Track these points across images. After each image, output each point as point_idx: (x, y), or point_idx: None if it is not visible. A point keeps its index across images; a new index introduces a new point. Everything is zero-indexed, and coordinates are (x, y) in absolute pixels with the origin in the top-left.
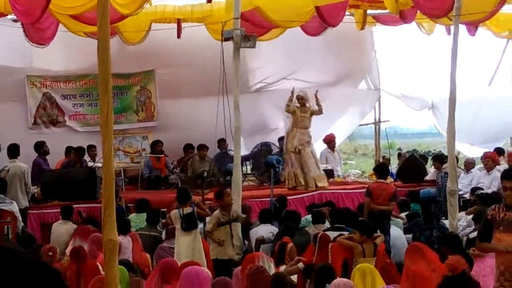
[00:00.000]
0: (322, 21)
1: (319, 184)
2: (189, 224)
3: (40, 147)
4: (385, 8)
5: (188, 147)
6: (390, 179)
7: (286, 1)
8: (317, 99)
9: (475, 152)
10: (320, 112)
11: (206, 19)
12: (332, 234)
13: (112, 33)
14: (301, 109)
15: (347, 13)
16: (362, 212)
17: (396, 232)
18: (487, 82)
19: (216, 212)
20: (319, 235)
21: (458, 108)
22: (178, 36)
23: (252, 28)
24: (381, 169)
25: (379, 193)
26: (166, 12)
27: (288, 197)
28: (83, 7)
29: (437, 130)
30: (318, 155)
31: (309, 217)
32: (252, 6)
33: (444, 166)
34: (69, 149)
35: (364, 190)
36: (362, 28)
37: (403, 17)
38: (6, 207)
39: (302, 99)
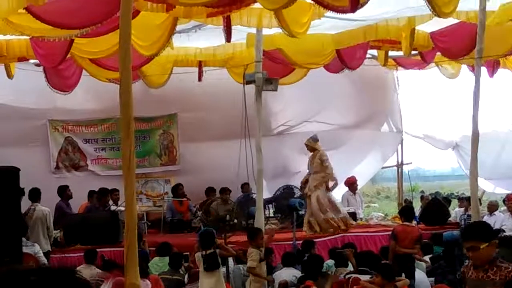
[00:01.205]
0: (342, 63)
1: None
2: (210, 264)
3: (63, 191)
4: None
5: (210, 191)
6: (413, 222)
7: (307, 43)
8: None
9: (499, 190)
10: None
11: (228, 62)
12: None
13: (135, 78)
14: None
15: (369, 55)
16: (385, 255)
17: (420, 275)
18: (510, 119)
19: (253, 249)
20: (351, 278)
21: (482, 146)
22: (199, 79)
23: (274, 70)
24: (406, 211)
25: (404, 236)
26: (188, 54)
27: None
28: (106, 51)
29: (460, 172)
30: (339, 198)
31: (330, 261)
32: (274, 47)
33: (469, 207)
34: (91, 193)
35: (387, 233)
36: (384, 65)
37: (424, 59)
38: (29, 249)
39: (307, 147)
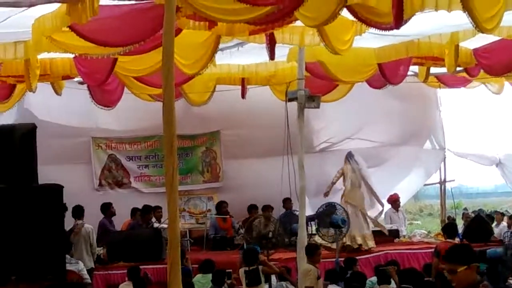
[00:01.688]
0: (384, 78)
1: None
2: (253, 280)
3: (107, 209)
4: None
5: (252, 208)
6: (456, 239)
7: (348, 56)
8: None
9: None
10: None
11: (271, 79)
12: None
13: (177, 95)
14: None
15: (411, 72)
16: (428, 272)
17: None
18: None
19: (310, 267)
20: None
21: None
22: (243, 96)
23: (316, 88)
24: (449, 228)
25: None
26: (231, 72)
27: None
28: (149, 69)
29: (503, 189)
30: (382, 215)
31: (373, 278)
32: (315, 59)
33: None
34: (134, 211)
35: (430, 250)
36: (425, 81)
37: (470, 75)
38: (72, 267)
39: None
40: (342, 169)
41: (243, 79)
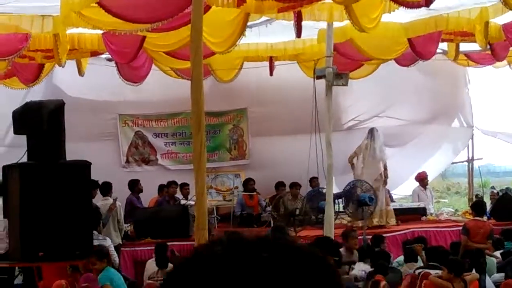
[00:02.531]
0: (415, 54)
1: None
2: None
3: (135, 185)
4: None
5: (280, 185)
6: (484, 217)
7: (378, 33)
8: None
9: None
10: None
11: (299, 56)
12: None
13: (206, 73)
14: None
15: (439, 50)
16: (455, 250)
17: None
18: None
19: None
20: (421, 273)
21: None
22: (271, 74)
23: (344, 65)
24: (478, 206)
25: (476, 231)
26: (259, 50)
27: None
28: (177, 44)
29: None
30: (410, 193)
31: (400, 258)
32: (345, 39)
33: None
34: (161, 187)
35: (457, 228)
36: (455, 59)
37: (494, 52)
38: (100, 243)
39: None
40: (359, 146)
41: (271, 57)
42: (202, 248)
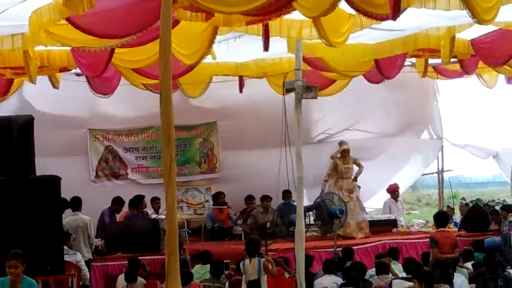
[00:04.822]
0: (379, 73)
1: (358, 235)
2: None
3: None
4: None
5: (249, 199)
6: (454, 229)
7: (346, 52)
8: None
9: None
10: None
11: (268, 72)
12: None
13: (174, 87)
14: (343, 160)
15: (408, 62)
16: (426, 261)
17: (460, 280)
18: None
19: None
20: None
21: None
22: (240, 91)
23: (314, 81)
24: (441, 217)
25: (444, 241)
26: (228, 67)
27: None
28: (146, 60)
29: (501, 179)
30: (381, 205)
31: (371, 270)
32: (314, 55)
33: (510, 215)
34: (131, 202)
35: (428, 240)
36: (424, 76)
37: (463, 67)
38: (70, 258)
39: (345, 152)
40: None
41: (240, 76)
42: None
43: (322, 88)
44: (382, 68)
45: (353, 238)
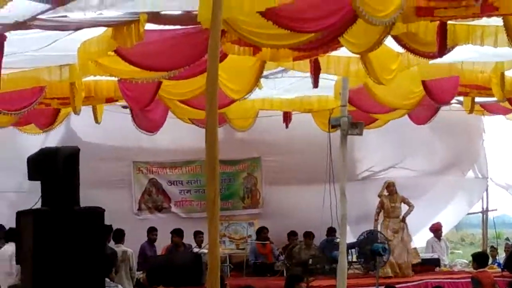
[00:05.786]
0: (430, 97)
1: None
2: None
3: (148, 232)
4: (493, 96)
5: (291, 235)
6: (497, 269)
7: (393, 84)
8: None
9: None
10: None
11: (313, 109)
12: None
13: (221, 122)
14: (389, 198)
15: (455, 100)
16: None
17: None
18: None
19: None
20: None
21: None
22: (287, 126)
23: (359, 117)
24: (481, 257)
25: (486, 281)
26: (275, 103)
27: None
28: (193, 92)
29: None
30: (424, 244)
31: None
32: (359, 83)
33: None
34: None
35: None
36: (470, 112)
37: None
38: None
39: (389, 187)
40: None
41: (286, 112)
42: None
43: (367, 125)
44: (433, 91)
45: (396, 276)
